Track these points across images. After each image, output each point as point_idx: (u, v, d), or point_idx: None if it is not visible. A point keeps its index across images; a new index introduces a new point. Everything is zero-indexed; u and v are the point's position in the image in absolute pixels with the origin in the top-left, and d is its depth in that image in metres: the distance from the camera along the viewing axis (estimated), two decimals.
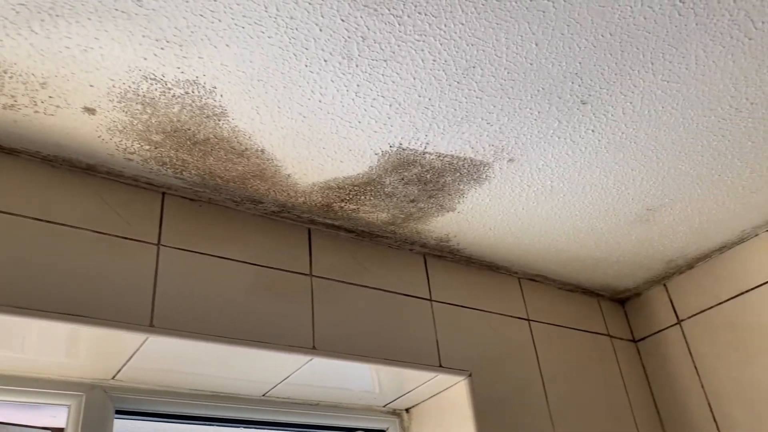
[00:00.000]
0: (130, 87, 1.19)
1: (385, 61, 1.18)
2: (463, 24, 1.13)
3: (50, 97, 1.19)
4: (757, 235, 1.94)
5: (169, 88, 1.20)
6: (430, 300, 1.80)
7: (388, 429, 1.83)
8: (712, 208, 1.78)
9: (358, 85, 1.23)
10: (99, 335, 1.28)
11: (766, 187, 1.71)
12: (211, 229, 1.51)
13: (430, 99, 1.28)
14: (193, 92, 1.21)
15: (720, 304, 2.00)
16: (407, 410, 1.86)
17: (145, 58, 1.13)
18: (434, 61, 1.20)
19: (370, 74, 1.21)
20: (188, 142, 1.34)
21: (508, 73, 1.25)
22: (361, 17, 1.09)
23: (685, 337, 2.08)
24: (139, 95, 1.21)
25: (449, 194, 1.60)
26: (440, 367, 1.69)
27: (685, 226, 1.85)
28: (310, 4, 1.06)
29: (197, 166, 1.41)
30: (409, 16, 1.10)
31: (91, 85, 1.18)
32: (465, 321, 1.83)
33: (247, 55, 1.14)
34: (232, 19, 1.07)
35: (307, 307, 1.54)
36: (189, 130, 1.30)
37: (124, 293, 1.31)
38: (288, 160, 1.41)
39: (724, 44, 1.23)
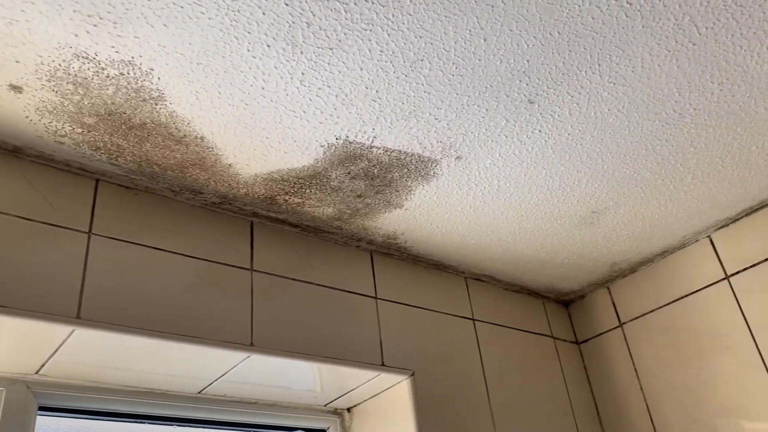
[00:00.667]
0: (60, 65, 1.12)
1: (330, 49, 1.15)
2: (411, 15, 1.10)
3: None
4: (697, 240, 1.98)
5: (103, 68, 1.14)
6: (375, 298, 1.77)
7: (328, 429, 1.79)
8: (655, 212, 1.80)
9: (302, 73, 1.19)
10: (21, 327, 1.21)
11: (708, 194, 1.74)
12: (148, 219, 1.45)
13: (377, 91, 1.26)
14: (128, 73, 1.15)
15: (660, 308, 2.04)
16: (349, 410, 1.83)
17: (77, 35, 1.07)
18: (381, 51, 1.17)
19: (315, 62, 1.17)
20: (123, 127, 1.28)
21: (456, 68, 1.23)
22: (306, 2, 1.05)
23: (626, 340, 2.11)
24: (70, 74, 1.14)
25: (397, 190, 1.58)
26: (383, 366, 1.66)
27: (629, 230, 1.87)
28: None
29: (133, 152, 1.35)
30: (355, 4, 1.07)
31: (17, 61, 1.11)
32: (410, 320, 1.81)
33: (186, 36, 1.09)
34: None
35: (247, 302, 1.50)
36: (124, 113, 1.24)
37: (49, 283, 1.25)
38: (229, 149, 1.36)
39: (669, 48, 1.25)
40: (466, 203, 1.66)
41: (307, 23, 1.09)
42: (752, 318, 1.81)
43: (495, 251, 1.91)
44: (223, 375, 1.50)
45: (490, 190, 1.61)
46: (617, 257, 2.03)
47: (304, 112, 1.28)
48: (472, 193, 1.62)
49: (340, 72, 1.20)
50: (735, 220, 1.90)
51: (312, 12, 1.07)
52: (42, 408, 1.38)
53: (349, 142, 1.39)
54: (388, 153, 1.44)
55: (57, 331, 1.23)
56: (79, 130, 1.27)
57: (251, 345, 1.44)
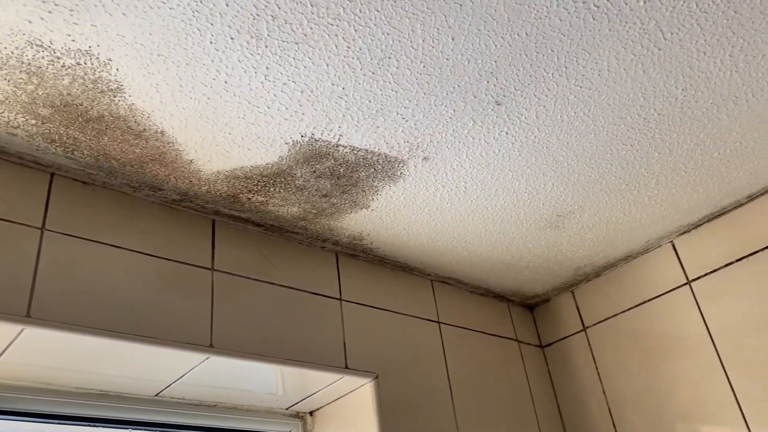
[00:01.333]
0: (12, 52, 1.08)
1: (296, 43, 1.13)
2: (378, 11, 1.09)
3: None
4: (660, 246, 2.00)
5: (58, 57, 1.10)
6: (340, 300, 1.75)
7: None
8: (619, 217, 1.82)
9: (267, 68, 1.17)
10: None
11: (671, 199, 1.76)
12: (105, 216, 1.40)
13: (343, 88, 1.24)
14: (85, 63, 1.11)
15: (623, 312, 2.05)
16: (311, 413, 1.80)
17: (30, 21, 1.03)
18: (348, 48, 1.15)
19: (280, 56, 1.15)
20: (80, 119, 1.23)
21: (424, 67, 1.22)
22: None
23: (589, 344, 2.12)
24: (23, 62, 1.10)
25: (363, 190, 1.56)
26: (346, 368, 1.64)
27: (593, 234, 1.89)
28: None
29: (90, 145, 1.30)
30: None
31: None
32: (375, 322, 1.79)
33: (147, 26, 1.06)
34: None
35: (207, 302, 1.46)
36: (81, 105, 1.20)
37: None
38: (190, 144, 1.33)
39: (635, 52, 1.25)
40: (432, 205, 1.64)
41: (272, 16, 1.07)
42: (712, 323, 1.83)
43: (461, 254, 1.90)
44: (181, 377, 1.46)
45: (457, 191, 1.60)
46: (582, 261, 2.04)
47: (269, 107, 1.26)
48: (439, 195, 1.61)
49: (305, 67, 1.18)
50: (697, 226, 1.92)
51: (277, 5, 1.05)
52: None
53: (315, 140, 1.36)
54: (355, 152, 1.42)
55: (5, 330, 1.18)
56: (33, 122, 1.23)
57: (210, 346, 1.41)
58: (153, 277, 1.41)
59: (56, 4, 1.00)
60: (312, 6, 1.06)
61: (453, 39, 1.16)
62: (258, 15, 1.06)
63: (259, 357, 1.47)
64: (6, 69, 1.11)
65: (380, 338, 1.77)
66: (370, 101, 1.28)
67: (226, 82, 1.19)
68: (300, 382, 1.63)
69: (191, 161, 1.38)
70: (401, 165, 1.48)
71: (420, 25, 1.13)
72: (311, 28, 1.10)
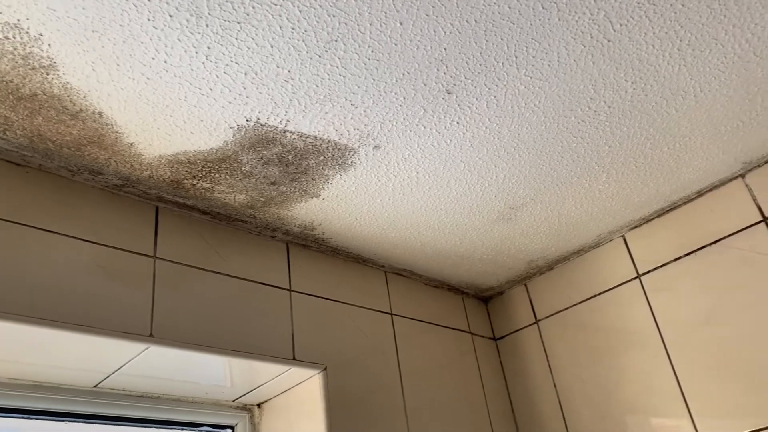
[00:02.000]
0: None
1: (238, 23, 1.09)
2: None
3: None
4: (611, 239, 2.02)
5: None
6: (290, 290, 1.71)
7: (237, 425, 1.72)
8: (571, 210, 1.82)
9: (208, 47, 1.13)
10: None
11: (621, 193, 1.77)
12: (41, 200, 1.34)
13: (289, 71, 1.20)
14: (14, 38, 1.06)
15: (575, 305, 2.07)
16: (259, 405, 1.77)
17: None
18: (293, 29, 1.12)
19: (222, 36, 1.11)
20: (11, 97, 1.17)
21: (372, 51, 1.19)
22: None
23: (541, 337, 2.13)
24: None
25: (313, 179, 1.53)
26: (294, 360, 1.61)
27: (546, 226, 1.89)
28: None
29: (23, 125, 1.24)
30: None
31: None
32: (325, 313, 1.76)
33: (79, 0, 1.01)
34: None
35: (148, 291, 1.41)
36: (11, 82, 1.14)
37: None
38: (130, 126, 1.28)
39: (585, 43, 1.25)
40: (384, 194, 1.62)
41: None
42: (660, 316, 1.85)
43: (415, 245, 1.89)
44: (120, 368, 1.42)
45: (409, 181, 1.59)
46: (535, 254, 2.04)
47: (211, 89, 1.22)
48: (391, 185, 1.59)
49: (249, 48, 1.14)
50: (648, 220, 1.94)
51: None
52: None
53: (261, 125, 1.33)
54: (303, 138, 1.38)
55: None
56: None
57: (150, 336, 1.36)
58: (91, 264, 1.35)
59: None
60: None
61: (401, 23, 1.14)
62: None
63: (201, 347, 1.43)
64: None
65: (330, 330, 1.74)
66: (317, 86, 1.25)
67: (165, 62, 1.14)
68: (247, 373, 1.60)
69: (132, 144, 1.33)
70: (352, 153, 1.46)
71: (367, 8, 1.10)
72: (253, 7, 1.06)
